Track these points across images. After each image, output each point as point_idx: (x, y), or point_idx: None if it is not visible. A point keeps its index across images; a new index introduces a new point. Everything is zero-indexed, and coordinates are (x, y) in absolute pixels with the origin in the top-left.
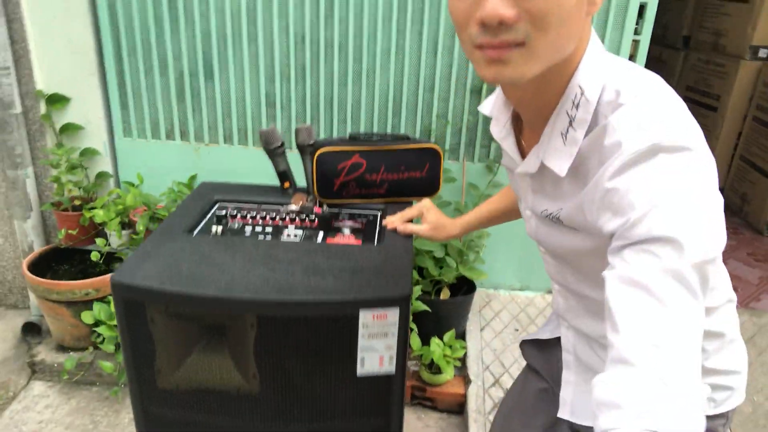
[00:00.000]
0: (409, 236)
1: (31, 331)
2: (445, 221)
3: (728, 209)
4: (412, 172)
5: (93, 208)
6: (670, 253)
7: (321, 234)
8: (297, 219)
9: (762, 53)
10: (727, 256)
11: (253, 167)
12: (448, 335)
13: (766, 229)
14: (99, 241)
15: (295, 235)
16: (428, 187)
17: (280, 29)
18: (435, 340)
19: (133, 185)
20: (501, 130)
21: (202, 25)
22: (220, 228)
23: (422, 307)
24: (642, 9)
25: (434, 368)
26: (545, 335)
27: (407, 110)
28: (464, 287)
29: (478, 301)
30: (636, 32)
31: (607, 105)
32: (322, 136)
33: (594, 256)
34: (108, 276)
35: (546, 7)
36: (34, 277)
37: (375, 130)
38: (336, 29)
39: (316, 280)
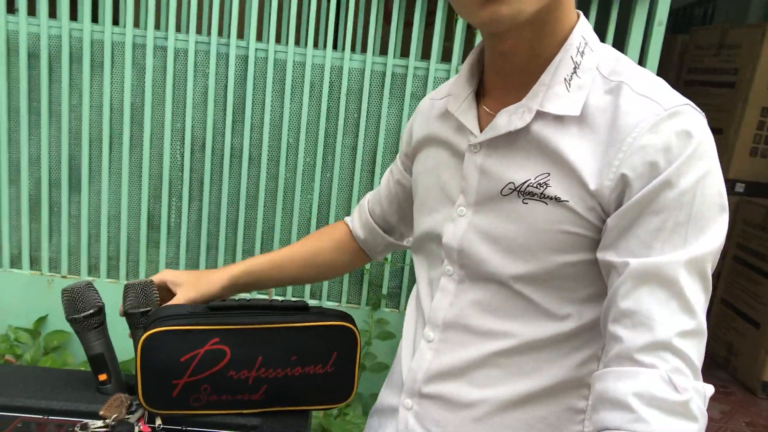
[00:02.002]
0: None
1: None
2: (199, 274)
3: (712, 361)
4: (310, 366)
5: None
6: (695, 239)
7: None
8: None
9: (738, 188)
10: (722, 426)
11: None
12: None
13: (761, 389)
14: None
15: None
16: (336, 389)
17: (173, 133)
18: None
19: None
20: (461, 104)
21: (71, 122)
22: None
23: None
24: None
25: None
26: None
27: None
28: None
29: None
30: None
31: (607, 65)
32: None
33: (564, 240)
34: None
35: None
36: None
37: None
38: (246, 137)
39: None
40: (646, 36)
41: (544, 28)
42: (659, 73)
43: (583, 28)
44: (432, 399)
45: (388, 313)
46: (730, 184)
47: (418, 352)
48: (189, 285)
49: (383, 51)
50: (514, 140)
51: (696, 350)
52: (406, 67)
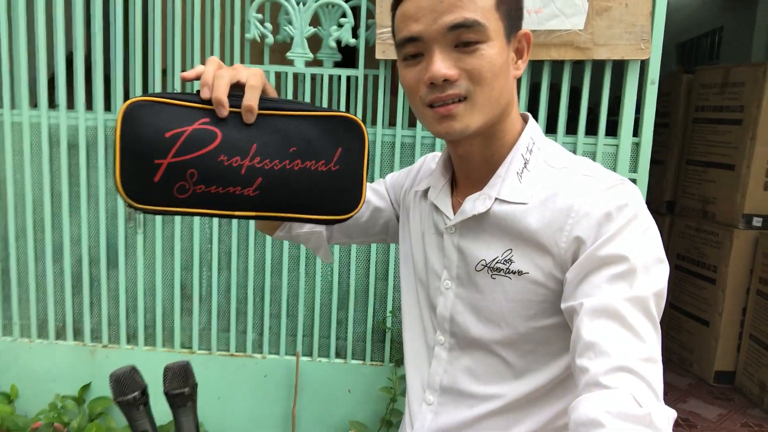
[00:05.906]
0: None
1: None
2: None
3: (745, 398)
4: (311, 160)
5: None
6: (638, 283)
7: None
8: None
9: (756, 222)
10: None
11: (161, 375)
12: None
13: None
14: None
15: None
16: (341, 193)
17: None
18: None
19: (7, 399)
20: (439, 194)
21: (108, 202)
22: None
23: None
24: None
25: None
26: None
27: (356, 302)
28: None
29: None
30: None
31: (553, 158)
32: (248, 335)
33: (531, 308)
34: None
35: (479, 65)
36: None
37: (316, 327)
38: None
39: None
40: (640, 95)
41: (494, 136)
42: (668, 114)
43: (531, 131)
44: None
45: None
46: (746, 218)
47: (420, 414)
48: None
49: (392, 122)
50: (481, 222)
51: (653, 375)
52: (414, 136)
